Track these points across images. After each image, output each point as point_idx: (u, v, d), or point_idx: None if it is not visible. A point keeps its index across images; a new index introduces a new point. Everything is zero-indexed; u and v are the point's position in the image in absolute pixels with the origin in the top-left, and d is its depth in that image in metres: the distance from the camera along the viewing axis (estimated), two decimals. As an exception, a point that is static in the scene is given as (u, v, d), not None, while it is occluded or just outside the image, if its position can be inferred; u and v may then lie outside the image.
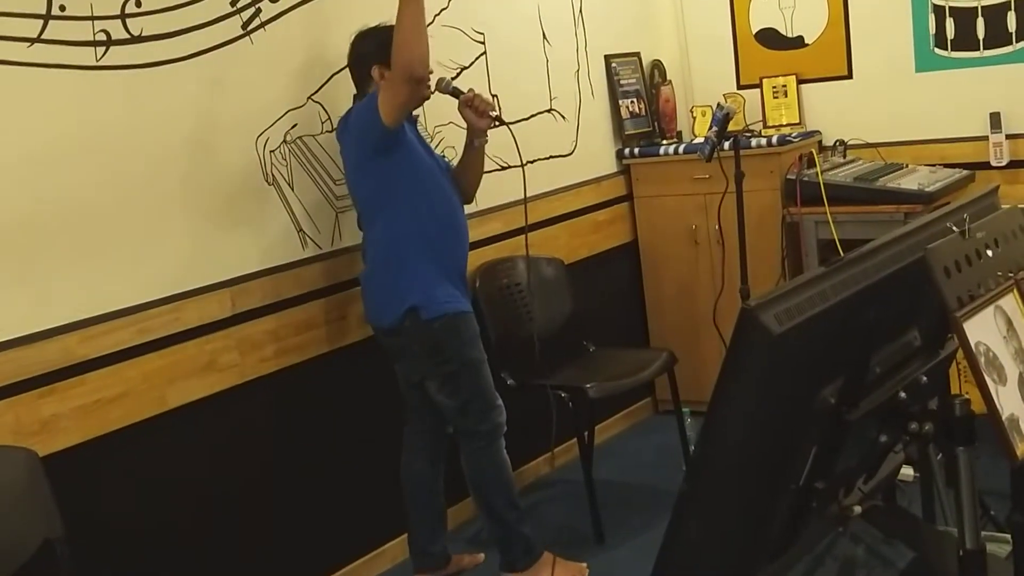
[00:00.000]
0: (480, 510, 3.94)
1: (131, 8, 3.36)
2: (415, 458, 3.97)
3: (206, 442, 3.59)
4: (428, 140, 4.03)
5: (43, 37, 3.17)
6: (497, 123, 3.83)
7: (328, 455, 3.97)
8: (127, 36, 3.36)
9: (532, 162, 4.83)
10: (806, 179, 4.84)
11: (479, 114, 3.80)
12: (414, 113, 3.80)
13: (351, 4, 4.01)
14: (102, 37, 3.30)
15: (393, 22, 3.55)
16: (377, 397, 4.13)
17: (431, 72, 3.63)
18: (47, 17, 3.17)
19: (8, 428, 3.06)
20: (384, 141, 3.57)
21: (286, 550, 3.84)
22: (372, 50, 3.70)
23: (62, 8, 3.20)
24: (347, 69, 3.86)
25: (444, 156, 4.03)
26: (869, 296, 1.73)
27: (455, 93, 3.81)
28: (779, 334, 1.54)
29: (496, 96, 4.64)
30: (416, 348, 3.71)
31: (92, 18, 3.27)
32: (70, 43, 3.23)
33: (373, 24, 3.76)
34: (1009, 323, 1.86)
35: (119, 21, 3.34)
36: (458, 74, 4.47)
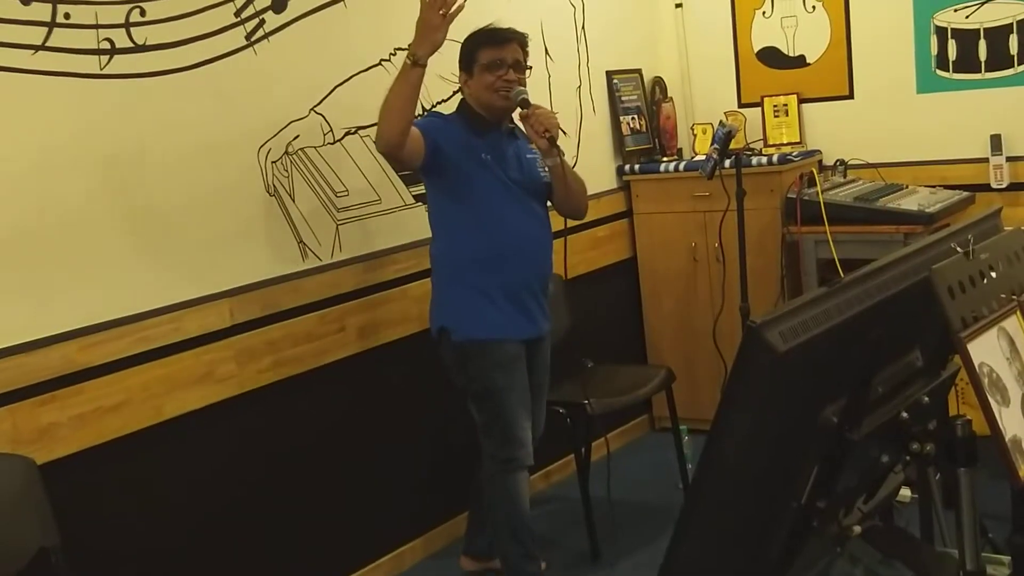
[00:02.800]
0: (491, 527, 3.90)
1: (135, 17, 3.37)
2: None
3: (203, 453, 3.58)
4: (529, 150, 3.80)
5: (47, 45, 3.17)
6: (554, 147, 3.62)
7: (324, 467, 3.96)
8: (131, 45, 3.36)
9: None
10: (806, 198, 4.85)
11: (537, 135, 3.63)
12: (509, 125, 3.78)
13: (354, 16, 4.02)
14: (106, 46, 3.30)
15: (491, 23, 3.69)
16: (374, 410, 4.12)
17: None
18: (52, 25, 3.18)
19: (6, 436, 3.05)
20: (421, 168, 3.63)
21: (280, 562, 3.82)
22: (461, 58, 3.73)
23: (67, 16, 3.21)
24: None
25: (543, 171, 3.82)
26: (873, 316, 1.72)
27: (523, 104, 3.64)
28: (784, 352, 1.54)
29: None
30: (450, 359, 3.74)
31: (96, 26, 3.28)
32: (74, 51, 3.23)
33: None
34: (1012, 344, 1.86)
35: (123, 30, 3.35)
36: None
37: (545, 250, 3.80)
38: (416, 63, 3.38)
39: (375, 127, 3.98)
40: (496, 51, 3.64)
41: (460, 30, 3.59)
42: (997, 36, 4.84)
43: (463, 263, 3.67)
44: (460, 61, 3.73)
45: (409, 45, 3.39)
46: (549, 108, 3.86)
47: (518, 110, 3.68)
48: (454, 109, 3.85)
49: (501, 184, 3.67)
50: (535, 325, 3.77)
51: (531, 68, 3.77)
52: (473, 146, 3.65)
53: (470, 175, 3.63)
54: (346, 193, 4.02)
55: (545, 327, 3.84)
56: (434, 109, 4.15)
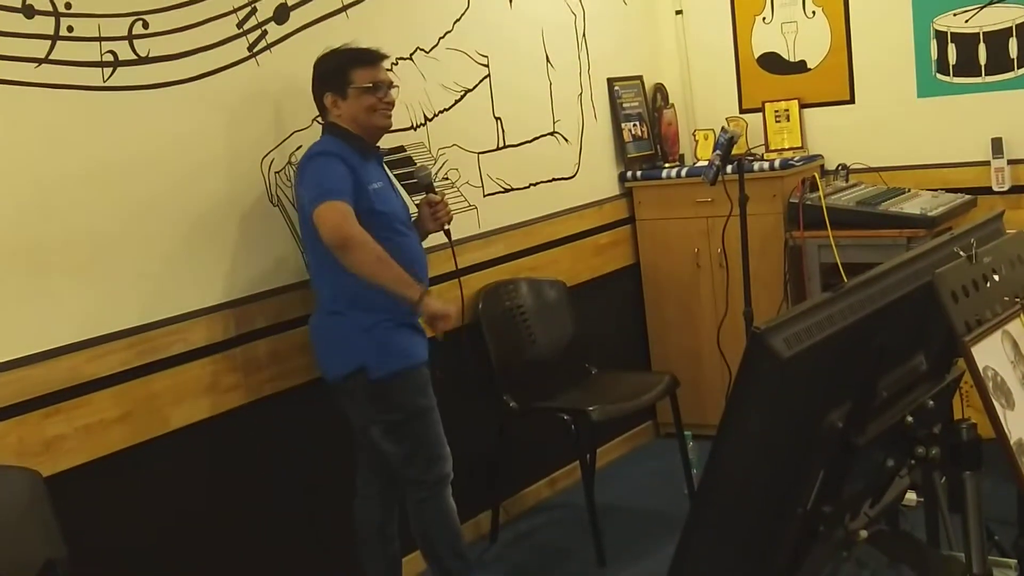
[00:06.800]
0: (425, 559, 3.81)
1: (138, 29, 3.38)
2: (367, 504, 3.82)
3: (208, 463, 3.59)
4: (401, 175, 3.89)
5: (51, 58, 3.18)
6: (446, 236, 3.83)
7: (330, 477, 3.96)
8: (134, 57, 3.37)
9: (535, 185, 4.85)
10: (809, 203, 4.85)
11: (434, 219, 3.81)
12: (396, 148, 3.76)
13: (356, 26, 4.02)
14: (109, 58, 3.31)
15: (350, 45, 3.62)
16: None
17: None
18: (55, 38, 3.19)
19: (12, 448, 3.06)
20: None
21: (289, 572, 3.82)
22: (324, 77, 3.60)
23: (70, 29, 3.22)
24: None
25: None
26: (877, 320, 1.73)
27: (428, 188, 3.84)
28: (788, 358, 1.54)
29: (500, 119, 4.66)
30: (361, 396, 3.56)
31: (100, 39, 3.29)
32: (77, 64, 3.24)
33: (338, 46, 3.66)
34: (1016, 347, 1.86)
35: (126, 42, 3.36)
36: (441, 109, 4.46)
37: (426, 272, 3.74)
38: (412, 297, 3.43)
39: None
40: (372, 71, 3.58)
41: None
42: (997, 40, 4.84)
43: (372, 293, 3.45)
44: (325, 81, 3.59)
45: (423, 297, 3.44)
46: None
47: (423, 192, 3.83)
48: (324, 138, 3.62)
49: (398, 206, 3.65)
50: (426, 346, 3.69)
51: (398, 87, 3.71)
52: (368, 174, 3.55)
53: (370, 204, 3.49)
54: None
55: None
56: (323, 150, 3.56)
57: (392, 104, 3.63)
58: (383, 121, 3.62)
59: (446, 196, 3.85)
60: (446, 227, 3.82)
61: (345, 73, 3.56)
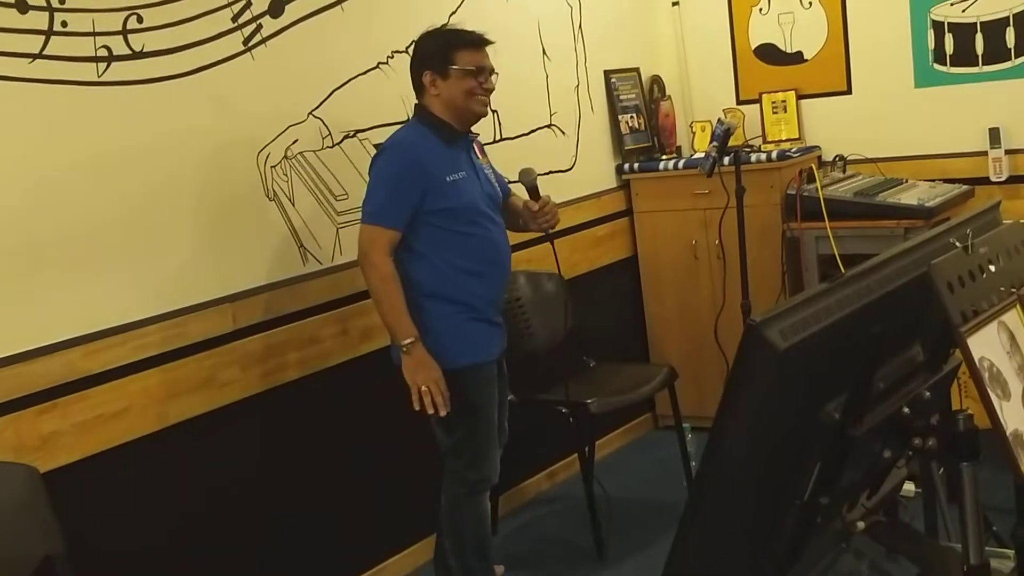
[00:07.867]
0: (448, 552, 3.76)
1: (132, 24, 3.37)
2: None
3: (207, 458, 3.58)
4: (486, 168, 3.72)
5: (45, 53, 3.17)
6: (546, 236, 3.78)
7: (329, 471, 3.96)
8: (129, 52, 3.36)
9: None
10: (806, 194, 4.85)
11: (536, 221, 3.76)
12: (474, 131, 3.65)
13: (352, 20, 4.02)
14: (104, 53, 3.30)
15: (455, 25, 3.59)
16: (377, 413, 4.12)
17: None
18: (49, 33, 3.18)
19: (9, 444, 3.05)
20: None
21: (286, 566, 3.82)
22: (425, 55, 3.53)
23: (64, 24, 3.21)
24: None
25: (498, 182, 3.76)
26: (873, 311, 1.72)
27: (533, 193, 3.75)
28: (784, 349, 1.54)
29: (496, 112, 4.64)
30: None
31: (94, 34, 3.28)
32: (72, 59, 3.23)
33: (437, 26, 3.64)
34: (1012, 338, 1.86)
35: (121, 37, 3.35)
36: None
37: (510, 262, 3.71)
38: (404, 345, 3.44)
39: (373, 130, 3.99)
40: (477, 55, 3.51)
41: (415, 31, 3.65)
42: (994, 29, 4.83)
43: (449, 280, 3.49)
44: (426, 59, 3.51)
45: (412, 345, 3.42)
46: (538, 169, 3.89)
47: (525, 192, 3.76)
48: (412, 122, 3.62)
49: (478, 197, 3.55)
50: (503, 340, 3.71)
51: (498, 74, 3.65)
52: (447, 165, 3.49)
53: (443, 202, 3.46)
54: (346, 196, 4.02)
55: (505, 341, 3.76)
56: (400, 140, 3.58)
57: (491, 90, 3.56)
58: (479, 108, 3.54)
59: (551, 203, 3.76)
60: (549, 231, 3.77)
61: (449, 53, 3.48)
